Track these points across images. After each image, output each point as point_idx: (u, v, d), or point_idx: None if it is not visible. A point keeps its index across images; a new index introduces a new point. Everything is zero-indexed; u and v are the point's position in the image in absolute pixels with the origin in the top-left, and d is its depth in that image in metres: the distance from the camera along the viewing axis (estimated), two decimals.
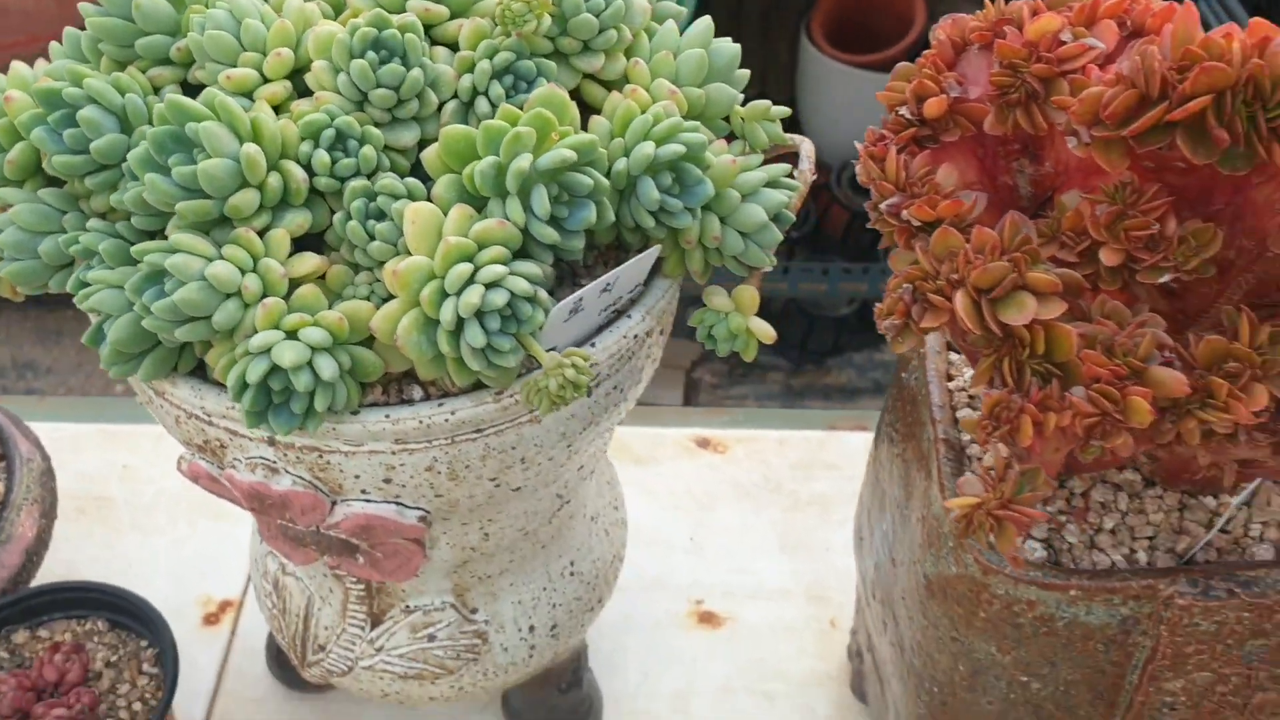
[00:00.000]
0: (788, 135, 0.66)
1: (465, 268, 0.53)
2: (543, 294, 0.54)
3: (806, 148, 0.67)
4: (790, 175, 0.63)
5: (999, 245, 0.52)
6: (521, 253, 0.55)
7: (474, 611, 0.74)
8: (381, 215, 0.55)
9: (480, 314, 0.53)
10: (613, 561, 0.80)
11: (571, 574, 0.77)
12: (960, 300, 0.52)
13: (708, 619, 0.93)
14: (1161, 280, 0.52)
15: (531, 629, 0.76)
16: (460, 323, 0.53)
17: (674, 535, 0.98)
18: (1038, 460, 0.52)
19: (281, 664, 0.87)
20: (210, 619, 0.92)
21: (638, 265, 0.59)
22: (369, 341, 0.56)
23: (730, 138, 0.65)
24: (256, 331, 0.53)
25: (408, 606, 0.73)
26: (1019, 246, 0.52)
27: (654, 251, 0.60)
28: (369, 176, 0.56)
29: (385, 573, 0.67)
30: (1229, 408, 0.50)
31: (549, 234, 0.54)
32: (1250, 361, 0.50)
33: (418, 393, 0.58)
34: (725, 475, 1.02)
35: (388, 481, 0.59)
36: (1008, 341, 0.51)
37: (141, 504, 0.99)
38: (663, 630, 0.92)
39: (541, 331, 0.55)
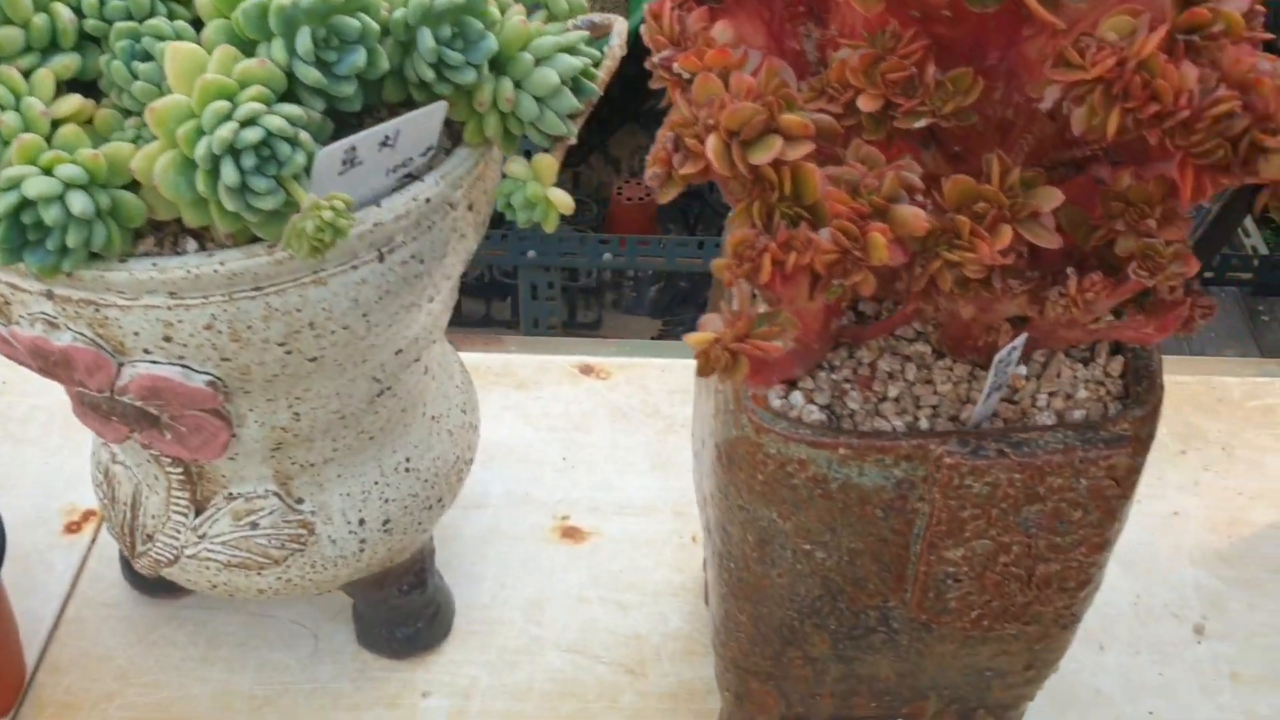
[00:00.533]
0: (605, 15, 0.66)
1: (222, 105, 0.52)
2: (305, 136, 0.54)
3: (619, 26, 0.67)
4: (596, 48, 0.63)
5: (755, 89, 0.52)
6: (291, 98, 0.55)
7: (299, 501, 0.73)
8: (147, 57, 0.54)
9: (235, 152, 0.52)
10: (456, 464, 0.80)
11: (407, 470, 0.76)
12: (712, 143, 0.51)
13: (571, 533, 0.92)
14: (919, 125, 0.51)
15: (361, 522, 0.75)
16: (216, 161, 0.52)
17: (546, 455, 0.98)
18: (788, 304, 0.52)
19: (134, 569, 0.87)
20: (72, 527, 0.92)
21: (421, 120, 0.58)
22: (135, 187, 0.55)
23: (535, 10, 0.64)
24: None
25: (230, 494, 0.72)
26: (774, 91, 0.52)
27: (439, 107, 0.59)
28: (143, 21, 0.56)
29: (192, 449, 0.67)
30: (974, 246, 0.49)
31: (313, 75, 0.54)
32: (998, 202, 0.49)
33: (193, 245, 0.57)
34: (604, 400, 1.02)
35: (168, 340, 0.59)
36: (758, 184, 0.51)
37: (15, 416, 0.99)
38: (525, 543, 0.92)
39: (311, 180, 0.55)
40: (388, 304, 0.63)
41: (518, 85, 0.60)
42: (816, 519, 0.58)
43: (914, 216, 0.48)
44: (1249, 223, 2.02)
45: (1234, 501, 0.96)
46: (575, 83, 0.62)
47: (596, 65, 0.63)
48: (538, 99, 0.60)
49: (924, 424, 0.58)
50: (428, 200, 0.60)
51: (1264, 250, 1.98)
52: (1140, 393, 0.58)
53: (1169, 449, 1.00)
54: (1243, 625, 0.88)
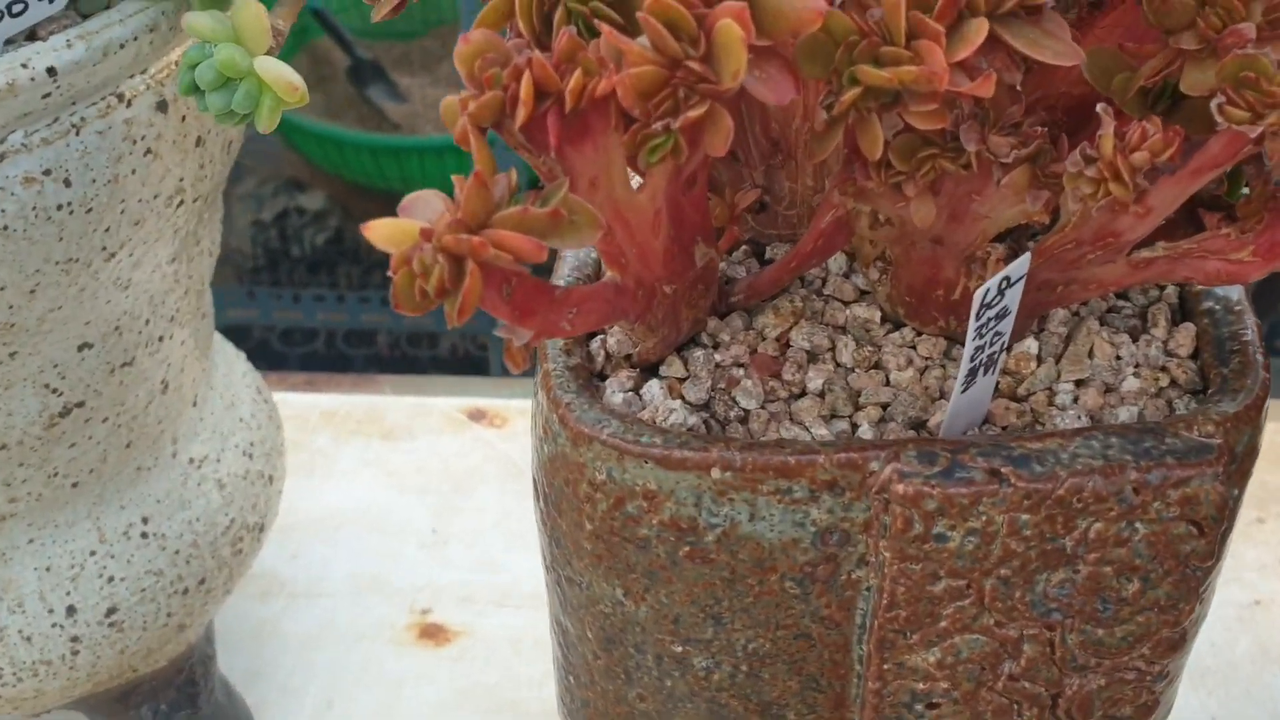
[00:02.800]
0: None
1: None
2: None
3: None
4: None
5: None
6: None
7: None
8: None
9: None
10: (231, 529, 0.56)
11: (144, 535, 0.52)
12: None
13: (432, 633, 0.68)
14: None
15: (71, 611, 0.51)
16: None
17: (411, 525, 0.74)
18: (586, 191, 0.28)
19: None
20: None
21: None
22: None
23: None
24: None
25: None
26: None
27: None
28: None
29: None
30: (916, 55, 0.26)
31: None
32: None
33: None
34: (495, 453, 0.78)
35: None
36: None
37: None
38: (368, 646, 0.67)
39: None
40: (19, 253, 0.39)
41: None
42: (687, 599, 0.34)
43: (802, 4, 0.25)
44: None
45: None
46: None
47: None
48: None
49: (865, 431, 0.34)
50: (52, 74, 0.38)
51: None
52: (1229, 377, 0.35)
53: (1243, 517, 0.76)
54: None
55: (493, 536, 0.73)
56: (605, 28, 0.26)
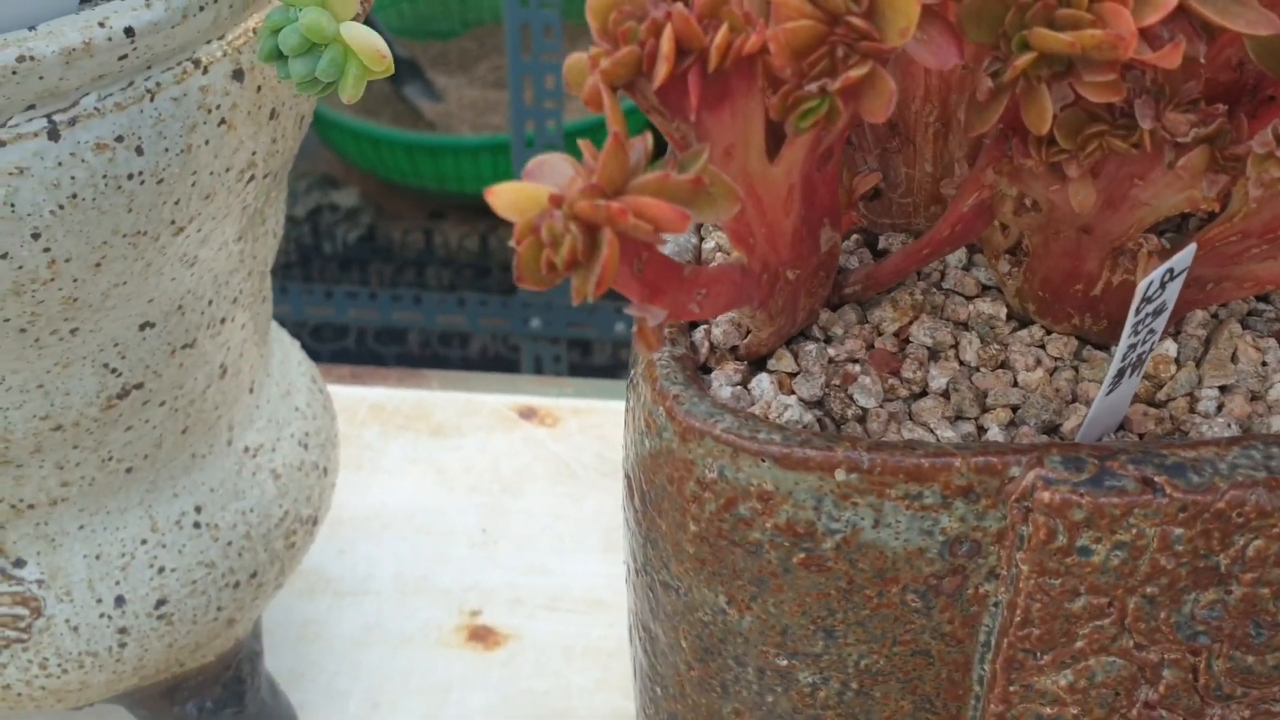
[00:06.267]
0: None
1: None
2: None
3: None
4: None
5: None
6: None
7: (18, 564, 0.47)
8: None
9: None
10: (284, 521, 0.54)
11: (196, 525, 0.50)
12: None
13: (481, 635, 0.66)
14: None
15: (120, 602, 0.49)
16: None
17: (460, 526, 0.71)
18: (720, 160, 0.26)
19: None
20: None
21: None
22: None
23: None
24: None
25: None
26: None
27: None
28: None
29: None
30: (1098, 18, 0.23)
31: None
32: None
33: None
34: (547, 453, 0.76)
35: None
36: None
37: None
38: (415, 648, 0.65)
39: None
40: (87, 223, 0.37)
41: None
42: (798, 609, 0.31)
43: None
44: None
45: None
46: None
47: None
48: None
49: (995, 434, 0.32)
50: (130, 35, 0.35)
51: None
52: None
53: None
54: None
55: (544, 539, 0.71)
56: None
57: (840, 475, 0.29)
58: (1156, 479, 0.28)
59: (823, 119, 0.24)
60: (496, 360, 1.80)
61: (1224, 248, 0.29)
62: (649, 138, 0.25)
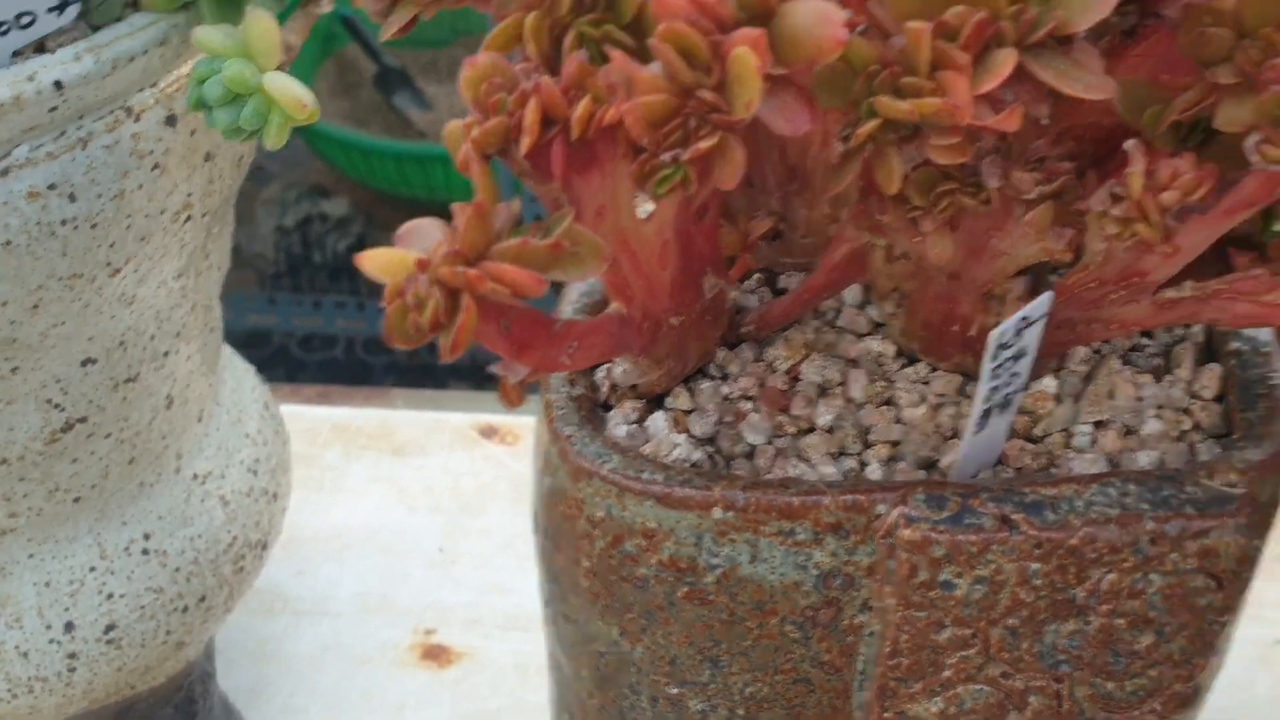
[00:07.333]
0: None
1: None
2: None
3: None
4: None
5: None
6: None
7: None
8: None
9: None
10: (233, 547, 0.55)
11: (145, 552, 0.52)
12: None
13: (435, 654, 0.67)
14: None
15: (69, 628, 0.51)
16: None
17: (418, 545, 0.73)
18: (591, 221, 0.27)
19: None
20: None
21: None
22: None
23: None
24: None
25: None
26: None
27: None
28: None
29: None
30: (940, 86, 0.25)
31: None
32: (990, 7, 0.25)
33: None
34: (507, 472, 0.77)
35: None
36: None
37: None
38: (370, 667, 0.66)
39: None
40: (22, 268, 0.39)
41: None
42: (685, 640, 0.33)
43: (820, 20, 0.24)
44: None
45: None
46: None
47: None
48: None
49: (874, 470, 0.33)
50: (59, 88, 0.37)
51: None
52: (1254, 422, 0.33)
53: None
54: None
55: (502, 558, 0.72)
56: (615, 53, 0.25)
57: (717, 513, 0.31)
58: (1014, 516, 0.30)
59: (678, 185, 0.26)
60: (484, 369, 1.81)
61: (1084, 293, 0.31)
62: (517, 203, 0.26)
